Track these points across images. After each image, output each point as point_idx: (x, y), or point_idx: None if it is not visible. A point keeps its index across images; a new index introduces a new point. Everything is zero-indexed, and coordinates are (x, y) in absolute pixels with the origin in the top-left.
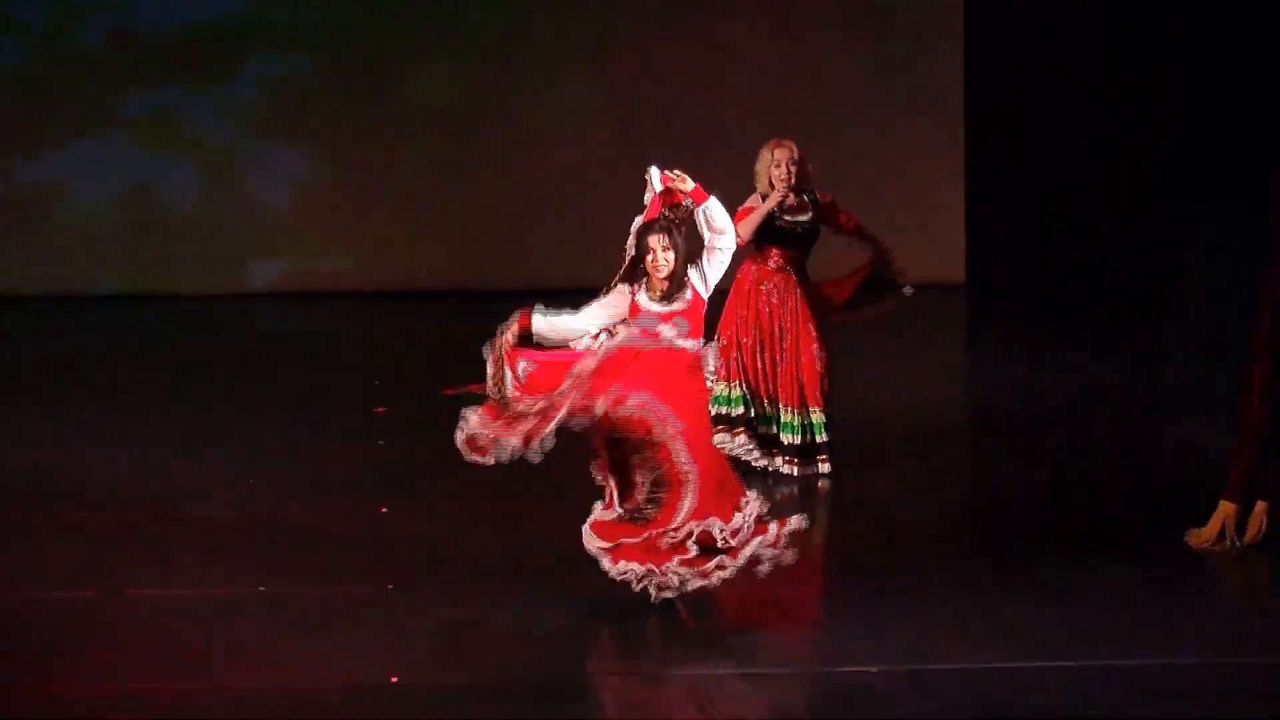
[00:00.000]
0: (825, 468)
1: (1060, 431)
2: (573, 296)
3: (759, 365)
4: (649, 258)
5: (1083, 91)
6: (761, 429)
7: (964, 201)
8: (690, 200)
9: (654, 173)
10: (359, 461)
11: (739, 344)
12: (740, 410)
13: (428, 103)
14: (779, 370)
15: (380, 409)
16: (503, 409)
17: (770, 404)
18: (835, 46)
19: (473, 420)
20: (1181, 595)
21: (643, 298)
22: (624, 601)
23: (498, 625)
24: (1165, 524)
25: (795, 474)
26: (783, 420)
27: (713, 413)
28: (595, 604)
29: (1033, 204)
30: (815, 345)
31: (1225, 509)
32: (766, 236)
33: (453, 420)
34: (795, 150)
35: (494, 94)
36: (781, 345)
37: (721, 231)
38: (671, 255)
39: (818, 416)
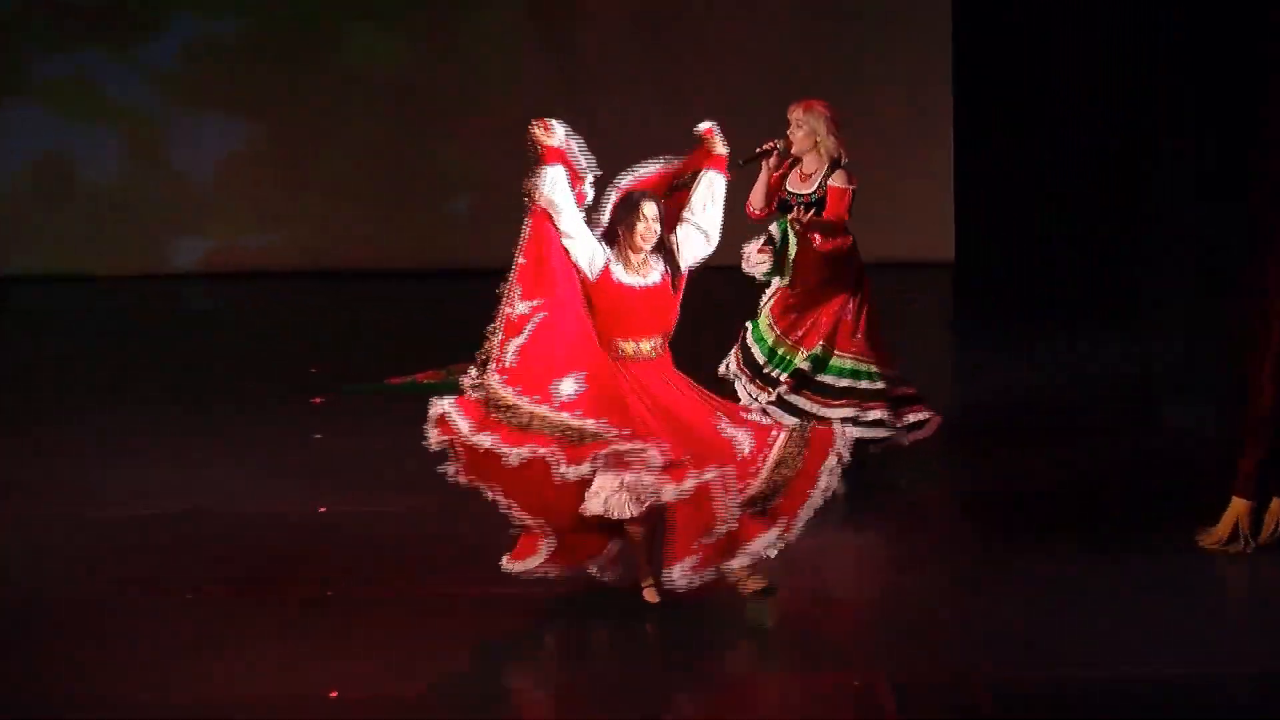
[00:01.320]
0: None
1: (1055, 420)
2: None
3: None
4: (639, 226)
5: (1076, 71)
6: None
7: (953, 179)
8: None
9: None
10: (295, 456)
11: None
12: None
13: (367, 68)
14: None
15: (318, 400)
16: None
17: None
18: (819, 23)
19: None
20: (1190, 600)
21: (618, 269)
22: (581, 608)
23: (445, 633)
24: (1170, 521)
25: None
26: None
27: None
28: (551, 609)
29: (1024, 182)
30: (840, 300)
31: (1238, 507)
32: (780, 210)
33: (397, 411)
34: (803, 113)
35: (438, 60)
36: (796, 323)
37: (713, 210)
38: (659, 228)
39: (849, 363)
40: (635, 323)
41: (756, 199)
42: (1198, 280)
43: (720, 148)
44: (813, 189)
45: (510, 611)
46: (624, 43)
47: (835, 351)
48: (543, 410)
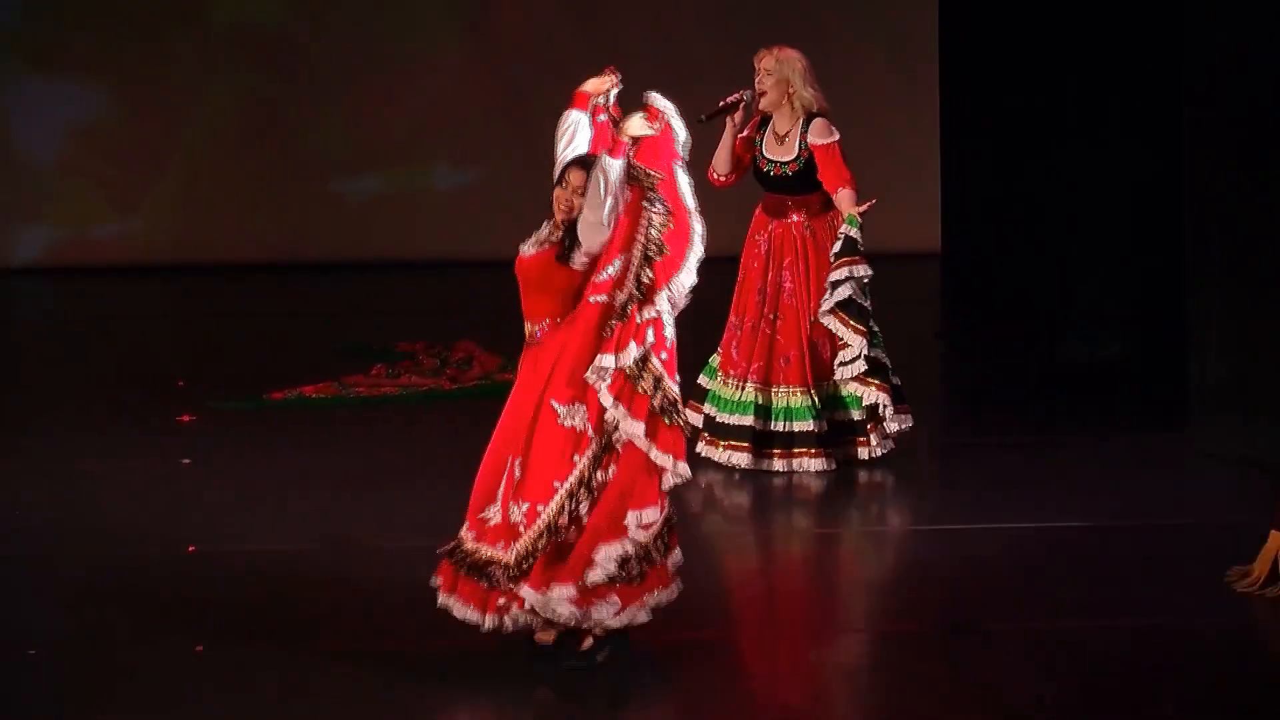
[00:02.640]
0: (864, 453)
1: (1057, 434)
2: (441, 270)
3: (754, 345)
4: (556, 191)
5: (1077, 39)
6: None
7: (939, 162)
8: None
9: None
10: (159, 485)
11: (739, 324)
12: (749, 419)
13: (242, 24)
14: (774, 342)
15: (185, 417)
16: None
17: (771, 393)
18: None
19: None
20: (1219, 657)
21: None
22: (478, 658)
23: (345, 697)
24: (1192, 554)
25: (822, 469)
26: (792, 407)
27: (718, 420)
28: (446, 661)
29: (1016, 165)
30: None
31: (1277, 542)
32: (758, 178)
33: (278, 432)
34: (772, 61)
35: (328, 13)
36: (776, 308)
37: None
38: (579, 202)
39: (808, 398)
40: (523, 298)
41: (720, 163)
42: (1238, 271)
43: (636, 129)
44: (794, 154)
45: (421, 671)
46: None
47: None
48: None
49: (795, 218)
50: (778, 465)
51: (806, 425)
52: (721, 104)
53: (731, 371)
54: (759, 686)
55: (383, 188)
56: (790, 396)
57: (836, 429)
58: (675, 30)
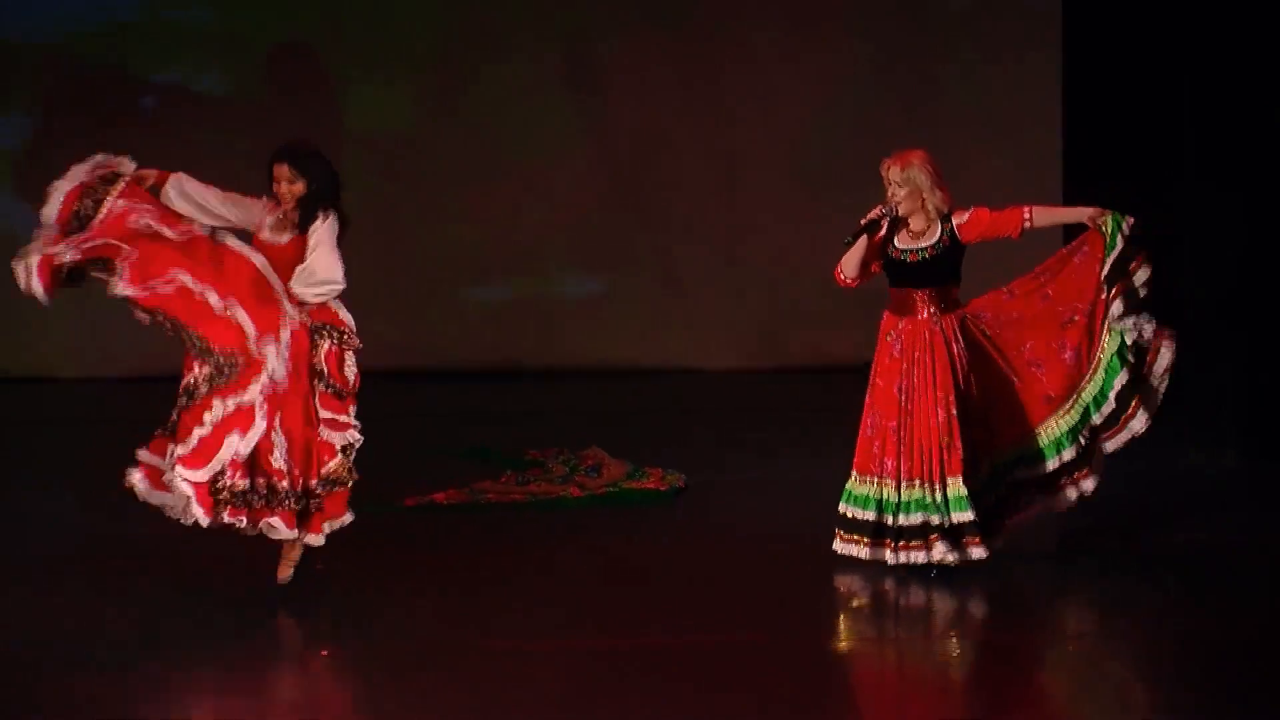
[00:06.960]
0: (978, 553)
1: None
2: (569, 378)
3: (897, 442)
4: (276, 185)
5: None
6: (886, 518)
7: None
8: None
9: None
10: (292, 586)
11: (881, 426)
12: (870, 514)
13: (370, 129)
14: (903, 438)
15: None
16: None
17: (898, 487)
18: (911, 67)
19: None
20: None
21: (266, 229)
22: None
23: None
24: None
25: (932, 560)
26: (912, 499)
27: (849, 516)
28: None
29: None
30: (949, 401)
31: None
32: (889, 271)
33: (409, 535)
34: (898, 168)
35: (449, 117)
36: (907, 407)
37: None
38: (300, 188)
39: (957, 490)
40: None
41: (850, 267)
42: (1254, 366)
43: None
44: (934, 240)
45: None
46: (663, 93)
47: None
48: None
49: (923, 314)
50: (935, 556)
51: (966, 515)
52: (863, 222)
53: (874, 470)
54: None
55: (510, 294)
56: (941, 490)
57: (954, 529)
58: (796, 137)
